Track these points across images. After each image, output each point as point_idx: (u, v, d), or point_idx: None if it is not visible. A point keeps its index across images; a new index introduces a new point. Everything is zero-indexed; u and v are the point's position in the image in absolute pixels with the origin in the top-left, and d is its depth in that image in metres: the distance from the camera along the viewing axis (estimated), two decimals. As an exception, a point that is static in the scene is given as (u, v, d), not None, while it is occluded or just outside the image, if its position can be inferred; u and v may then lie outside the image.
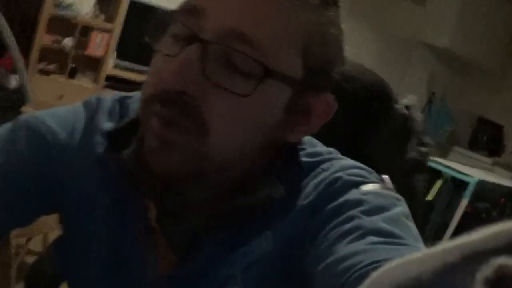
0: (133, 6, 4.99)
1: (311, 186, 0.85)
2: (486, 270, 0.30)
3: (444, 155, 6.76)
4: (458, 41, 6.65)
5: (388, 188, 0.85)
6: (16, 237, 2.96)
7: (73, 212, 0.92)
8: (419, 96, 6.98)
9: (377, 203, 0.79)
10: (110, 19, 4.96)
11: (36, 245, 3.22)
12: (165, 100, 0.74)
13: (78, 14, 4.80)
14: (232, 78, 0.74)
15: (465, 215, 4.49)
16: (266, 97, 0.77)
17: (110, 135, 0.87)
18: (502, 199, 4.69)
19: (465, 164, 5.36)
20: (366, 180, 0.84)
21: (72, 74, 4.91)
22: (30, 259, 3.00)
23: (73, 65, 4.89)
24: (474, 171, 5.05)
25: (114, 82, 4.98)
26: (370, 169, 0.89)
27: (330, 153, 0.92)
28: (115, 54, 5.02)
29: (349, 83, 1.52)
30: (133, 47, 5.07)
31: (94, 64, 5.07)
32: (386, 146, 1.63)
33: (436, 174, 4.62)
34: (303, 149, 0.90)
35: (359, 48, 6.49)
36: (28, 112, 3.38)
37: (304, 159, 0.88)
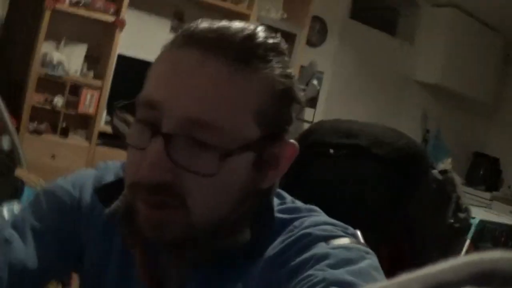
0: (121, 62, 4.96)
1: (279, 240, 0.90)
2: None
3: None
4: (448, 76, 6.70)
5: (358, 242, 0.88)
6: None
7: (91, 268, 1.04)
8: (414, 135, 6.97)
9: (344, 257, 0.81)
10: (99, 75, 4.91)
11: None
12: (149, 189, 0.83)
13: (66, 73, 4.75)
14: (198, 161, 0.82)
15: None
16: (232, 168, 0.85)
17: (100, 190, 0.99)
18: (503, 238, 4.65)
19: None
20: (335, 234, 0.88)
21: (64, 133, 4.84)
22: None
23: (65, 125, 4.83)
24: (474, 210, 5.01)
25: (107, 139, 4.93)
26: (344, 225, 0.93)
27: (309, 210, 0.97)
28: (106, 111, 4.98)
29: (381, 148, 1.49)
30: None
31: (85, 122, 5.02)
32: (424, 211, 1.58)
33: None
34: (284, 203, 0.98)
35: (350, 90, 6.51)
36: (23, 175, 3.33)
37: (279, 215, 0.94)
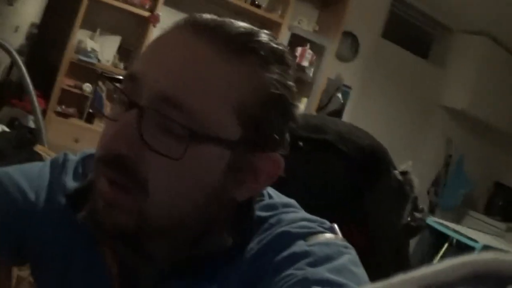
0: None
1: (256, 240, 0.87)
2: None
3: (459, 219, 6.74)
4: (476, 103, 6.70)
5: (336, 237, 0.88)
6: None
7: (44, 268, 0.99)
8: (436, 159, 6.99)
9: (323, 254, 0.81)
10: (128, 67, 5.06)
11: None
12: (107, 162, 0.80)
13: (99, 61, 4.94)
14: (166, 141, 0.78)
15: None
16: (201, 158, 0.80)
17: (71, 196, 0.93)
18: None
19: (479, 230, 5.34)
20: (312, 231, 0.86)
21: (89, 119, 5.02)
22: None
23: (90, 110, 5.01)
24: (482, 236, 5.04)
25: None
26: (321, 220, 0.92)
27: (285, 206, 0.94)
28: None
29: (345, 145, 1.58)
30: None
31: (111, 110, 5.14)
32: (381, 207, 1.67)
33: (444, 238, 4.62)
34: (261, 200, 0.94)
35: (375, 108, 6.56)
36: (42, 150, 3.47)
37: (257, 212, 0.91)
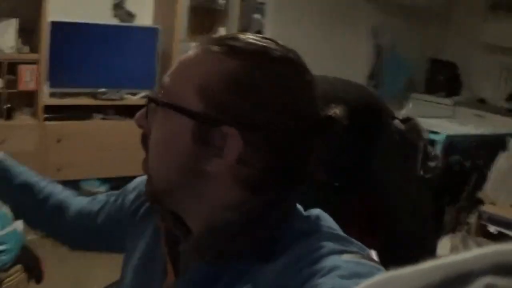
0: (55, 29, 4.75)
1: (294, 249, 0.94)
2: None
3: (403, 103, 6.68)
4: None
5: (371, 260, 0.91)
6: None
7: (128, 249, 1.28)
8: (367, 51, 6.87)
9: (354, 270, 0.85)
10: (35, 48, 4.70)
11: None
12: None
13: (2, 52, 4.55)
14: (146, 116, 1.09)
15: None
16: (170, 123, 1.03)
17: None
18: (472, 150, 4.62)
19: (426, 115, 5.23)
20: (348, 249, 0.92)
21: (9, 115, 4.67)
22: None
23: (8, 105, 4.65)
24: (437, 123, 4.99)
25: (54, 113, 4.76)
26: (360, 244, 0.96)
27: (328, 227, 1.01)
28: (48, 83, 4.77)
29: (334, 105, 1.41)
30: (65, 70, 4.89)
31: (29, 99, 4.81)
32: (389, 166, 1.52)
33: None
34: (308, 216, 1.04)
35: (298, 21, 6.34)
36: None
37: (299, 224, 1.01)
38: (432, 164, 1.69)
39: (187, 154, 1.00)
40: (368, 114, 1.47)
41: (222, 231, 1.00)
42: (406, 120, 1.60)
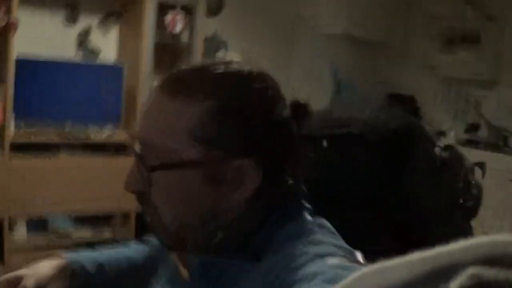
0: (21, 66, 4.72)
1: (284, 252, 0.97)
2: (460, 279, 0.33)
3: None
4: (353, 24, 6.64)
5: (357, 263, 0.93)
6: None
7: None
8: (325, 89, 6.95)
9: (340, 274, 0.85)
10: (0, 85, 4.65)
11: None
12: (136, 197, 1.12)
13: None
14: (144, 175, 1.06)
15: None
16: (176, 178, 1.02)
17: None
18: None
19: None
20: (334, 253, 0.93)
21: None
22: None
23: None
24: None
25: (20, 149, 4.71)
26: (348, 248, 0.98)
27: (320, 226, 1.04)
28: (14, 120, 4.73)
29: (373, 134, 1.45)
30: (31, 107, 4.86)
31: (-5, 135, 4.71)
32: (425, 192, 1.52)
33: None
34: (296, 219, 1.06)
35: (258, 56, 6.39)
36: None
37: (288, 229, 1.03)
38: (474, 191, 1.72)
39: (204, 198, 1.02)
40: (409, 140, 1.50)
41: (214, 231, 1.04)
42: (447, 148, 1.63)
